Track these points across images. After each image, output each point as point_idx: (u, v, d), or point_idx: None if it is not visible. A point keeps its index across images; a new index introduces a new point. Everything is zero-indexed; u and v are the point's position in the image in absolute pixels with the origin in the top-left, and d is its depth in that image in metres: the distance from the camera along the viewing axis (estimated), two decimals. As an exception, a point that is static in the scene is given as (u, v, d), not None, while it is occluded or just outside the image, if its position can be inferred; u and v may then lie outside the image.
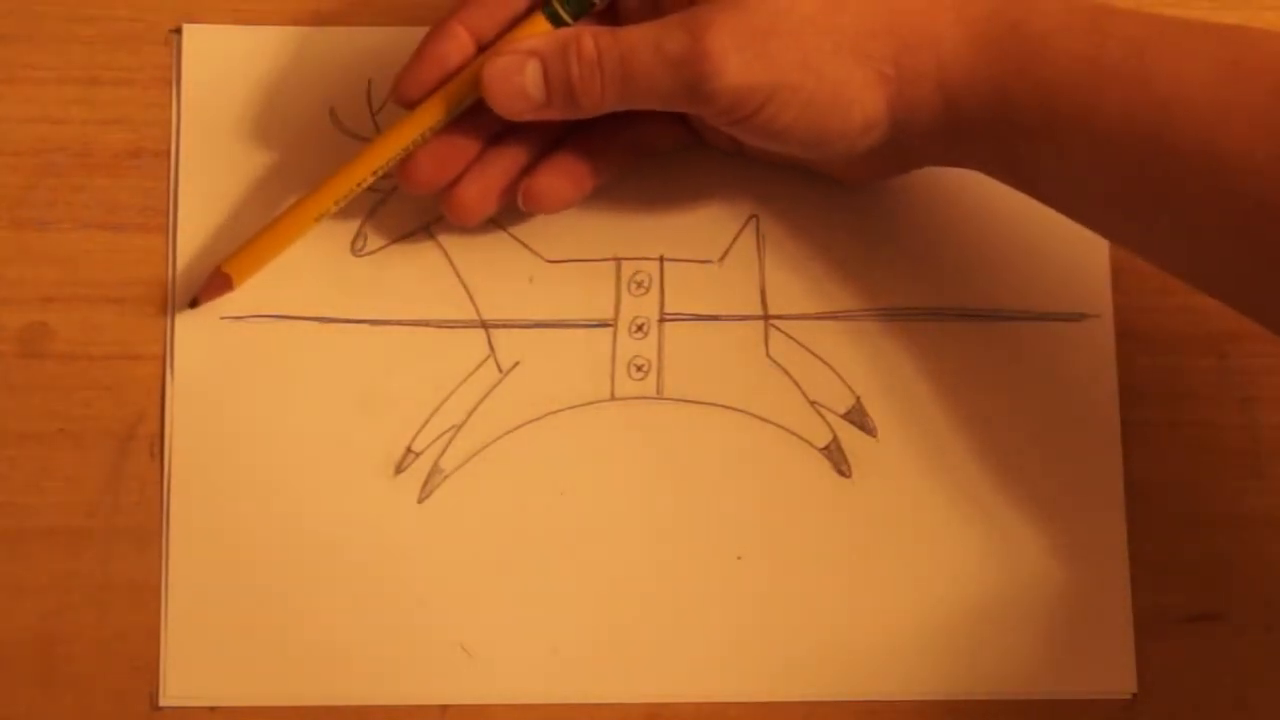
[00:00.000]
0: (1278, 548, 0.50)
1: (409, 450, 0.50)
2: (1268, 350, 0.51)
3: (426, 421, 0.50)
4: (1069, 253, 0.52)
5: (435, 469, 0.50)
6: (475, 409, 0.51)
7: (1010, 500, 0.50)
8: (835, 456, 0.51)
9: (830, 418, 0.51)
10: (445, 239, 0.52)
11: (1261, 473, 0.51)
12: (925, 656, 0.50)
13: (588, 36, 0.45)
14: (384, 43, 0.52)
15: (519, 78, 0.45)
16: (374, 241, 0.52)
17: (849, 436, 0.51)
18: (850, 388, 0.51)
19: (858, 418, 0.51)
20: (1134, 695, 0.49)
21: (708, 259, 0.52)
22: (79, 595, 0.49)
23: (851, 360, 0.51)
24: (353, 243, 0.52)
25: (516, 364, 0.51)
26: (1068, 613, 0.50)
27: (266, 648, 0.49)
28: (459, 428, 0.51)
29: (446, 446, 0.50)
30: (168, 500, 0.50)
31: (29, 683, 0.49)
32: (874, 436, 0.51)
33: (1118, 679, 0.49)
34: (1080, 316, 0.51)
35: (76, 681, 0.49)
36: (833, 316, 0.51)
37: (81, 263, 0.51)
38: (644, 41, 0.44)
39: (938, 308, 0.51)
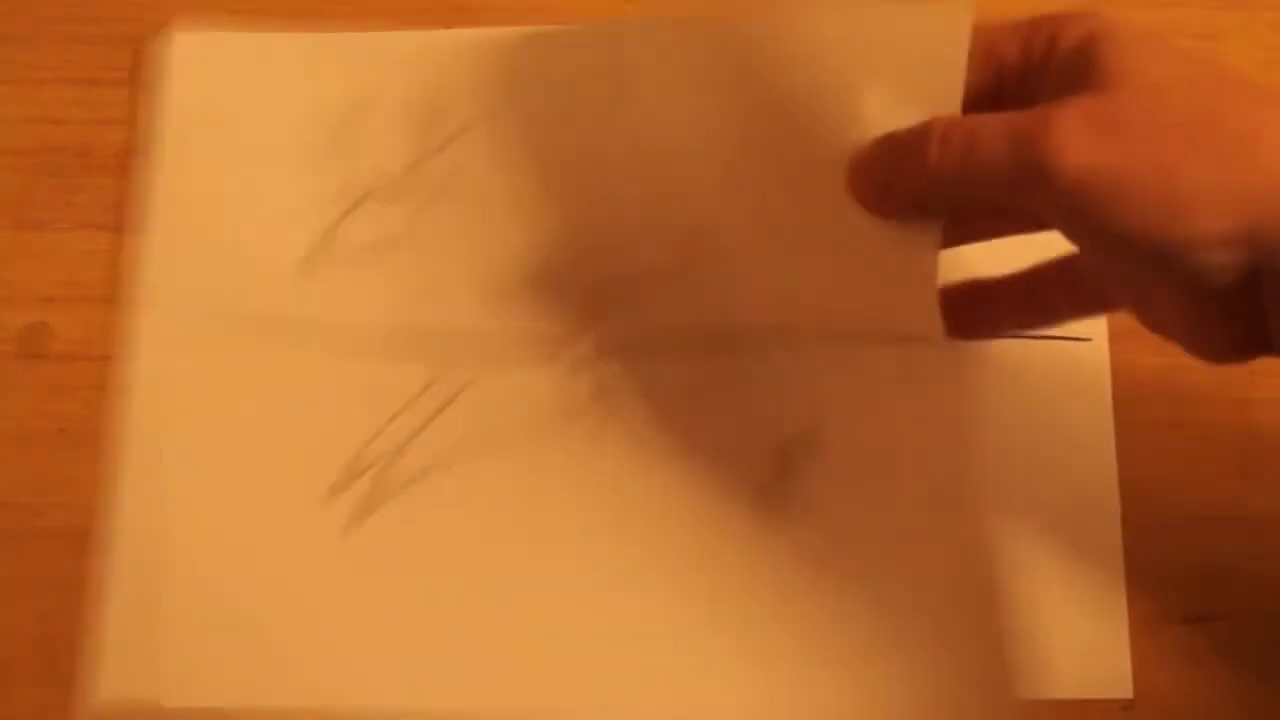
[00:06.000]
0: (1277, 548, 0.51)
1: (346, 475, 0.50)
2: (1268, 350, 0.51)
3: (368, 443, 0.50)
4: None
5: (372, 497, 0.49)
6: (415, 437, 0.50)
7: (1005, 505, 0.50)
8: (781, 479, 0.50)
9: (790, 436, 0.50)
10: (391, 265, 0.51)
11: (1261, 473, 0.51)
12: (924, 656, 0.50)
13: (940, 118, 0.42)
14: (381, 47, 0.52)
15: (869, 154, 0.43)
16: (323, 265, 0.51)
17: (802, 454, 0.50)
18: (813, 407, 0.50)
19: (807, 444, 0.50)
20: (1133, 696, 0.49)
21: (661, 278, 0.50)
22: (79, 595, 0.49)
23: (817, 377, 0.50)
24: (299, 267, 0.51)
25: (460, 391, 0.50)
26: (1062, 618, 0.49)
27: (266, 648, 0.49)
28: (395, 456, 0.50)
29: (386, 473, 0.50)
30: (113, 501, 0.49)
31: (29, 683, 0.49)
32: (829, 455, 0.49)
33: (1113, 684, 0.49)
34: (1082, 339, 0.51)
35: (76, 682, 0.49)
36: (788, 337, 0.50)
37: (81, 263, 0.52)
38: (993, 118, 0.41)
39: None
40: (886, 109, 0.43)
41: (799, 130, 0.46)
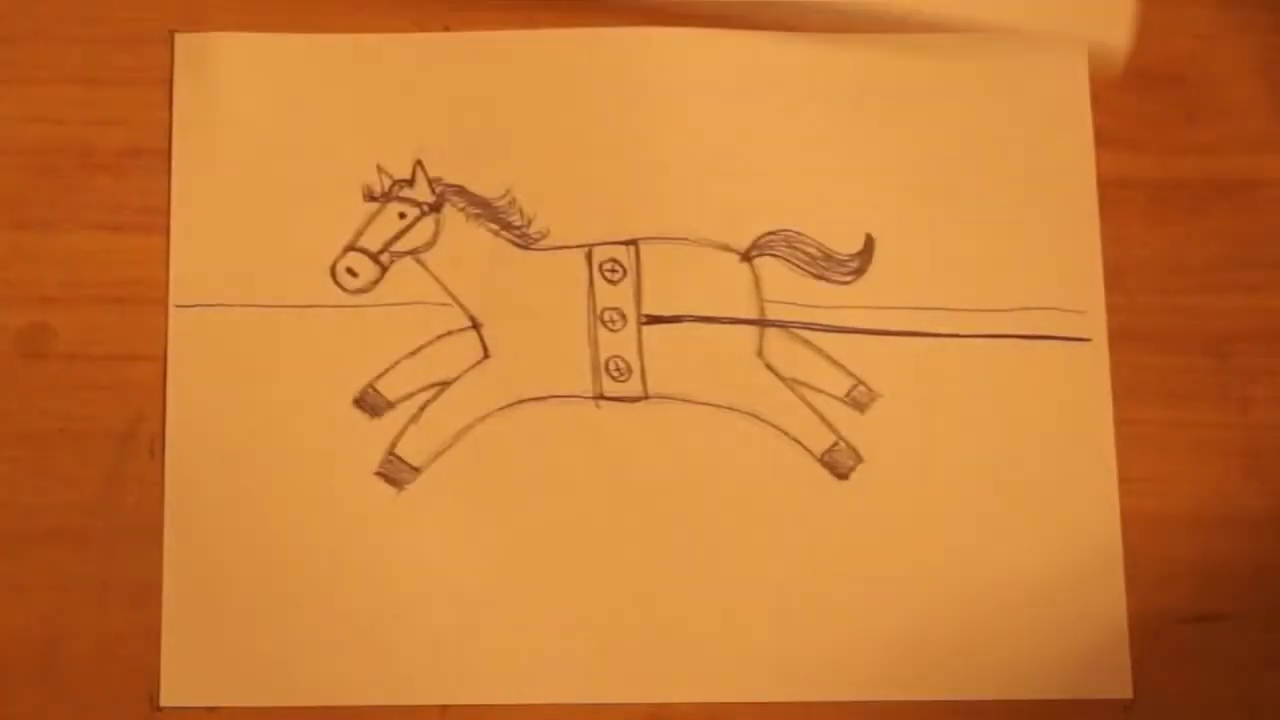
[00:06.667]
0: (1277, 548, 0.50)
1: (391, 454, 0.50)
2: (1268, 350, 0.51)
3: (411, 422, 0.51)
4: (1063, 259, 0.52)
5: (407, 463, 0.50)
6: (456, 398, 0.51)
7: (1006, 505, 0.50)
8: (835, 459, 0.50)
9: (829, 408, 0.51)
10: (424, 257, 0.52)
11: (1261, 473, 0.51)
12: (923, 658, 0.50)
13: None
14: (382, 49, 0.52)
15: None
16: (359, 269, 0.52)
17: (849, 434, 0.51)
18: (849, 372, 0.51)
19: (861, 396, 0.51)
20: (1133, 696, 0.49)
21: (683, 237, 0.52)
22: (79, 595, 0.49)
23: (849, 360, 0.51)
24: (332, 269, 0.51)
25: (492, 354, 0.51)
26: (1062, 618, 0.50)
27: (266, 648, 0.49)
28: (429, 405, 0.51)
29: (428, 439, 0.50)
30: (166, 499, 0.50)
31: (29, 683, 0.49)
32: (868, 410, 0.51)
33: (1113, 684, 0.49)
34: (1082, 339, 0.51)
35: (76, 681, 0.49)
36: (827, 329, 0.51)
37: (82, 263, 0.52)
38: None
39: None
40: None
41: None
